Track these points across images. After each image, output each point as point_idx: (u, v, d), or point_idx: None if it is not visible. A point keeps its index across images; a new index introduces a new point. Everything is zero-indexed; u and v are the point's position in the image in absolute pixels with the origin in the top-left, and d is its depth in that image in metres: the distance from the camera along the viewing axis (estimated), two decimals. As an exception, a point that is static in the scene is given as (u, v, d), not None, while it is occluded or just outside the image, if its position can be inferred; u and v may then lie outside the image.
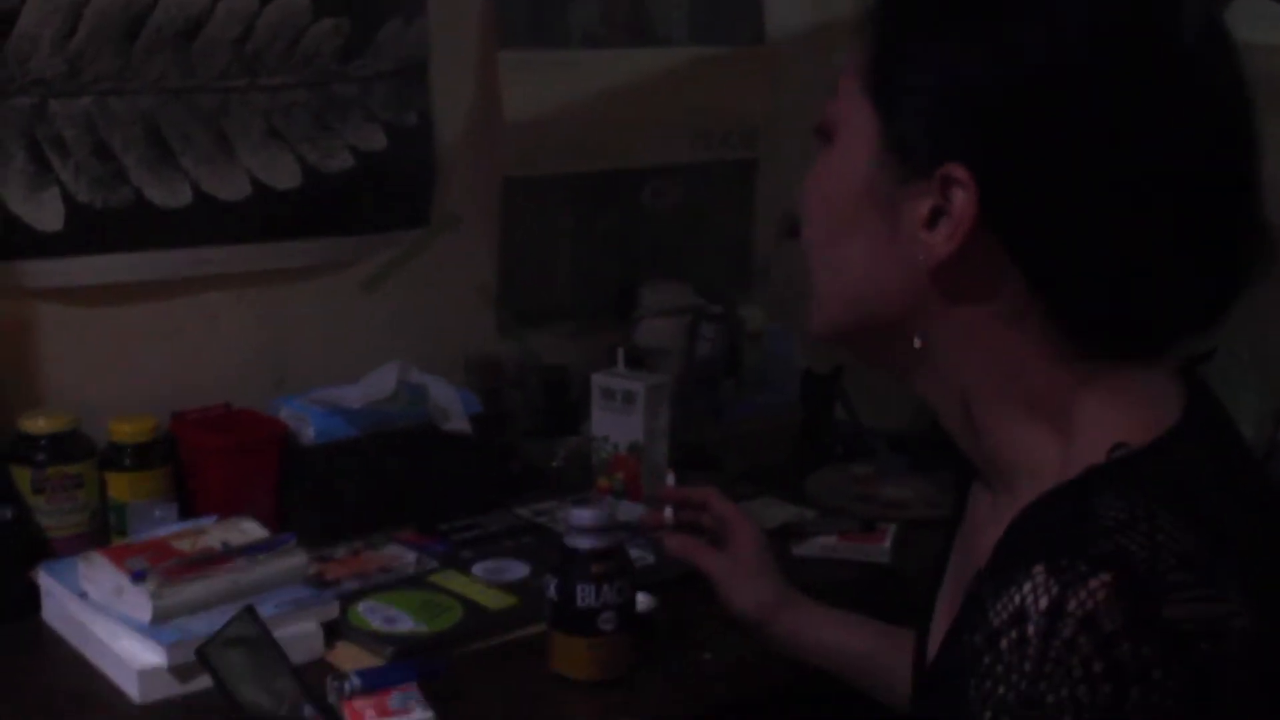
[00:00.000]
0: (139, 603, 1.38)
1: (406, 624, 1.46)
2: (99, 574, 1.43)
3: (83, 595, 1.44)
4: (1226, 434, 0.96)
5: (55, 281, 1.67)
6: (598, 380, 1.81)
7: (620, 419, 1.79)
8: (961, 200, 0.91)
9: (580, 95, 2.05)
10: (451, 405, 1.79)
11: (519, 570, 1.61)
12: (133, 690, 1.34)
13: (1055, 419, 0.94)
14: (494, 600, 1.52)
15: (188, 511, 1.64)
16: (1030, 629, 0.79)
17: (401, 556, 1.64)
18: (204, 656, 1.21)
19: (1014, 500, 0.95)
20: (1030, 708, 0.79)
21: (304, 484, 1.69)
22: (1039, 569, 0.80)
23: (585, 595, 1.35)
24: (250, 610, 1.28)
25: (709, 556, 1.44)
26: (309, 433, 1.71)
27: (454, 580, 1.57)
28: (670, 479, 1.55)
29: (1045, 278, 0.92)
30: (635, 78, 2.11)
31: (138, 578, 1.39)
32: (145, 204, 1.70)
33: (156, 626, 1.36)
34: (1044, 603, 0.79)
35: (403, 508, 1.74)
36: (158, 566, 1.41)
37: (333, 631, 1.44)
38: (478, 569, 1.61)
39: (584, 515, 1.37)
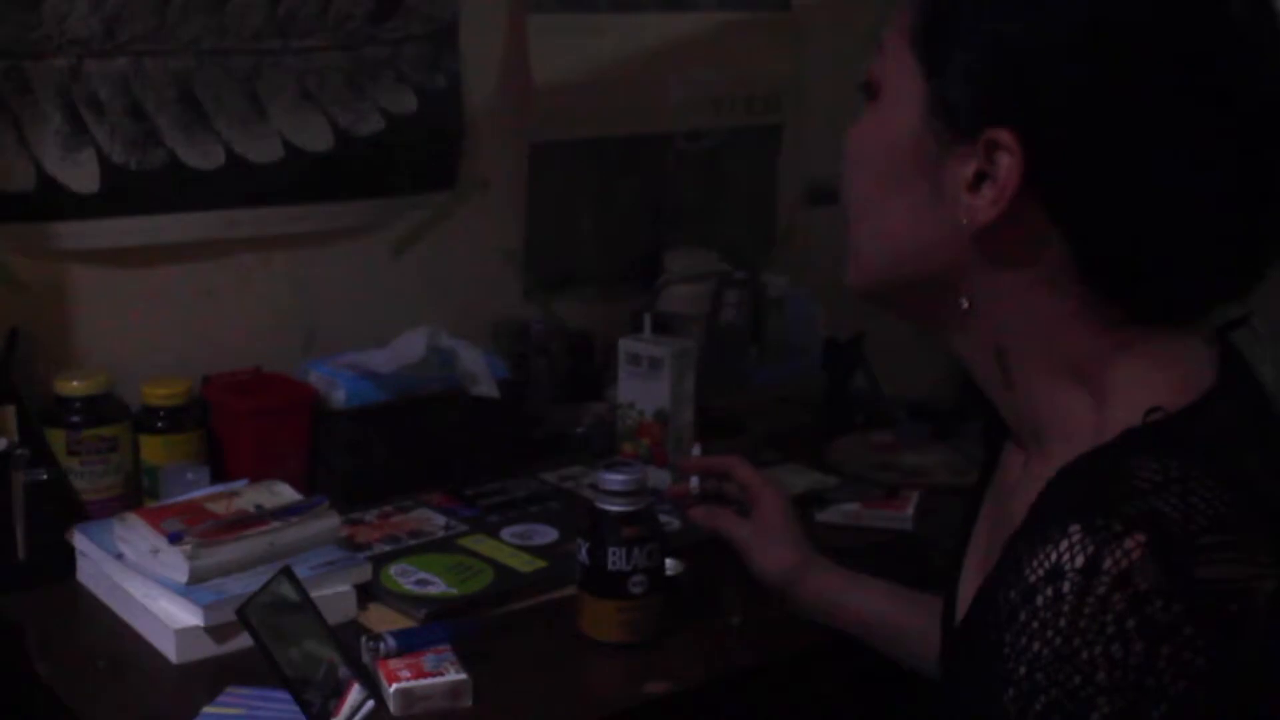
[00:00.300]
0: (175, 564, 1.39)
1: (438, 586, 1.47)
2: (135, 535, 1.44)
3: (119, 556, 1.46)
4: (1259, 400, 0.97)
5: (89, 243, 1.68)
6: (624, 345, 1.82)
7: (646, 384, 1.80)
8: (1007, 165, 0.92)
9: (607, 60, 2.06)
10: (479, 370, 1.80)
11: (547, 534, 1.62)
12: (170, 650, 1.36)
13: (1091, 381, 0.95)
14: (523, 564, 1.54)
15: (219, 475, 1.65)
16: (1065, 586, 0.81)
17: (431, 520, 1.66)
18: (244, 616, 1.22)
19: (1047, 461, 0.96)
20: (1064, 662, 0.81)
21: (334, 448, 1.71)
22: (1075, 528, 0.82)
23: (616, 558, 1.37)
24: (288, 571, 1.30)
25: (734, 522, 1.46)
26: (339, 396, 1.72)
27: (483, 544, 1.59)
28: (696, 449, 1.57)
29: (1087, 243, 0.93)
30: (661, 43, 2.11)
31: (174, 539, 1.41)
32: (178, 165, 1.71)
33: (193, 587, 1.38)
34: (1080, 560, 0.81)
35: (430, 472, 1.76)
36: (194, 528, 1.42)
37: (365, 594, 1.46)
38: (506, 533, 1.62)
39: (615, 479, 1.38)
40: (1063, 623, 0.81)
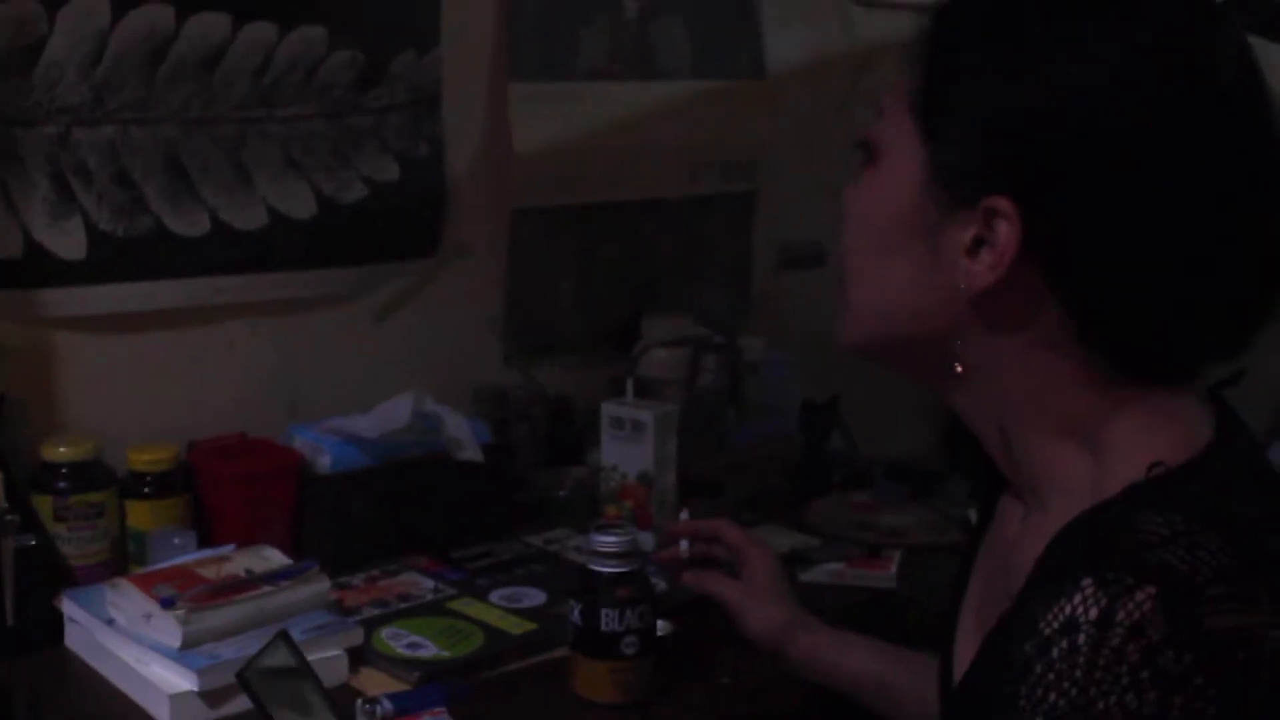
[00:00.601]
0: (168, 628, 1.39)
1: (430, 649, 1.48)
2: (127, 601, 1.44)
3: (110, 622, 1.45)
4: (1255, 456, 0.99)
5: (76, 310, 1.68)
6: (607, 409, 1.83)
7: (629, 447, 1.82)
8: (1005, 232, 0.94)
9: (586, 127, 2.08)
10: (464, 435, 1.81)
11: (536, 597, 1.63)
12: (164, 715, 1.35)
13: (1089, 439, 0.97)
14: (513, 626, 1.54)
15: (205, 540, 1.65)
16: (1081, 638, 0.83)
17: (419, 583, 1.66)
18: (244, 681, 1.22)
19: (1047, 516, 0.98)
20: (1080, 713, 0.82)
21: (320, 513, 1.71)
22: (1088, 581, 0.83)
23: (609, 619, 1.38)
24: (285, 635, 1.30)
25: (725, 584, 1.47)
26: (325, 462, 1.73)
27: (473, 607, 1.59)
28: (684, 514, 1.58)
29: (1084, 306, 0.95)
30: (639, 111, 2.14)
31: (167, 604, 1.40)
32: (165, 233, 1.72)
33: (186, 652, 1.38)
34: (1094, 613, 0.83)
35: (416, 536, 1.76)
36: (186, 593, 1.42)
37: (357, 657, 1.46)
38: (495, 596, 1.63)
39: (608, 540, 1.39)
40: (1079, 674, 0.82)
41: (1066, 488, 0.98)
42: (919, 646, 1.44)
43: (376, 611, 1.57)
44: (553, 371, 2.13)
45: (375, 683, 1.43)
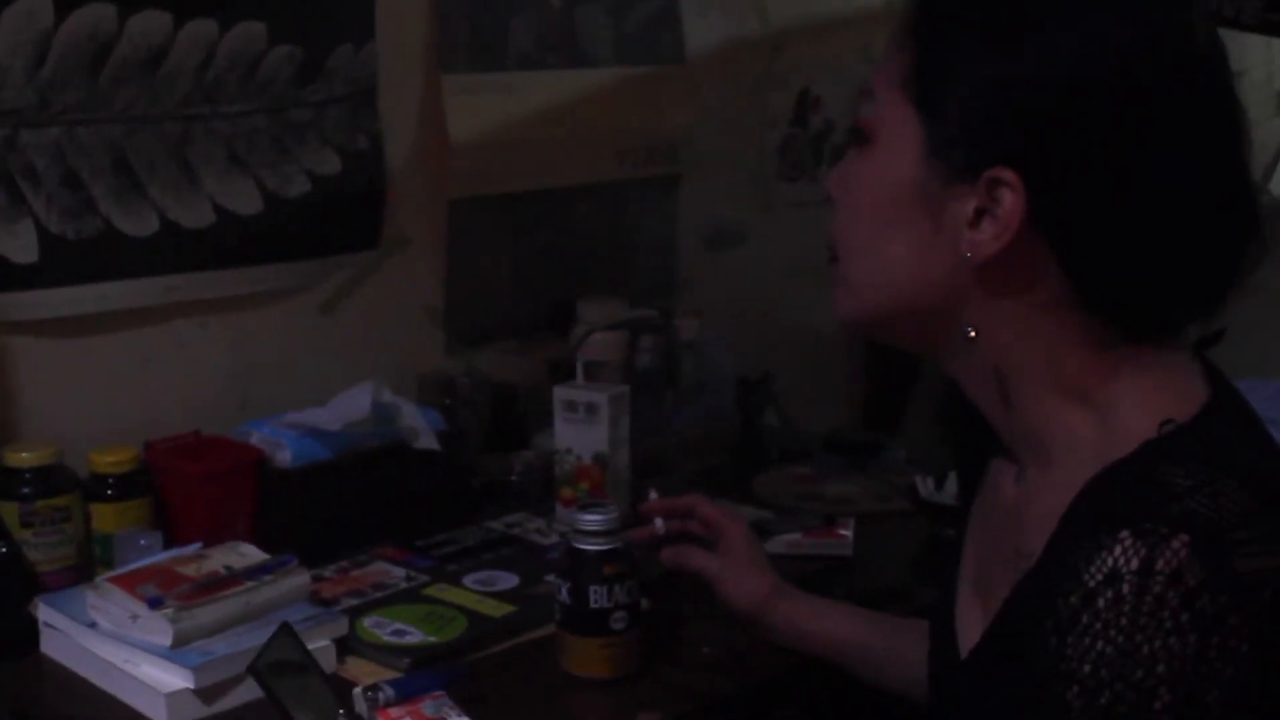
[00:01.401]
0: (158, 628, 1.39)
1: (416, 635, 1.49)
2: (110, 603, 1.43)
3: (91, 625, 1.44)
4: (1247, 409, 1.05)
5: (29, 314, 1.66)
6: (560, 393, 1.86)
7: (583, 430, 1.84)
8: (1010, 202, 0.98)
9: (518, 116, 2.10)
10: (419, 424, 1.82)
11: (509, 580, 1.65)
12: (160, 715, 1.35)
13: (1090, 397, 1.02)
14: (493, 609, 1.56)
15: (170, 539, 1.64)
16: (1125, 588, 0.88)
17: (389, 572, 1.67)
18: (258, 674, 1.23)
19: (1053, 472, 1.03)
20: (1127, 658, 0.88)
21: (284, 507, 1.71)
22: (1125, 534, 0.88)
23: (598, 597, 1.40)
24: (287, 627, 1.31)
25: (704, 558, 1.51)
26: (285, 456, 1.72)
27: (449, 592, 1.61)
28: (654, 494, 1.61)
29: (1084, 266, 1.00)
30: (567, 98, 2.16)
31: (154, 604, 1.40)
32: (114, 233, 1.70)
33: (178, 650, 1.38)
34: (1135, 563, 0.88)
35: (378, 526, 1.77)
36: (171, 592, 1.42)
37: (342, 647, 1.47)
38: (469, 580, 1.64)
39: (593, 519, 1.42)
40: (1124, 621, 0.88)
41: (1072, 444, 1.03)
42: (882, 609, 1.50)
43: (355, 601, 1.58)
44: (493, 358, 2.15)
45: (364, 671, 1.44)
